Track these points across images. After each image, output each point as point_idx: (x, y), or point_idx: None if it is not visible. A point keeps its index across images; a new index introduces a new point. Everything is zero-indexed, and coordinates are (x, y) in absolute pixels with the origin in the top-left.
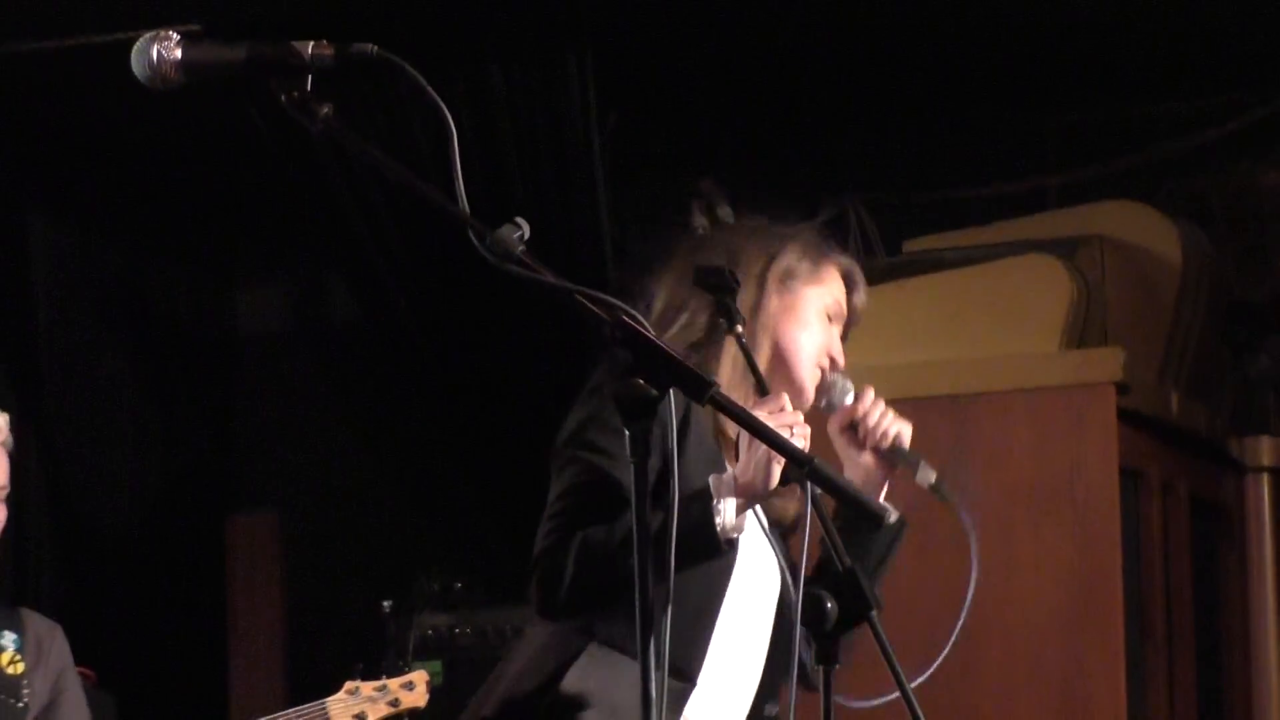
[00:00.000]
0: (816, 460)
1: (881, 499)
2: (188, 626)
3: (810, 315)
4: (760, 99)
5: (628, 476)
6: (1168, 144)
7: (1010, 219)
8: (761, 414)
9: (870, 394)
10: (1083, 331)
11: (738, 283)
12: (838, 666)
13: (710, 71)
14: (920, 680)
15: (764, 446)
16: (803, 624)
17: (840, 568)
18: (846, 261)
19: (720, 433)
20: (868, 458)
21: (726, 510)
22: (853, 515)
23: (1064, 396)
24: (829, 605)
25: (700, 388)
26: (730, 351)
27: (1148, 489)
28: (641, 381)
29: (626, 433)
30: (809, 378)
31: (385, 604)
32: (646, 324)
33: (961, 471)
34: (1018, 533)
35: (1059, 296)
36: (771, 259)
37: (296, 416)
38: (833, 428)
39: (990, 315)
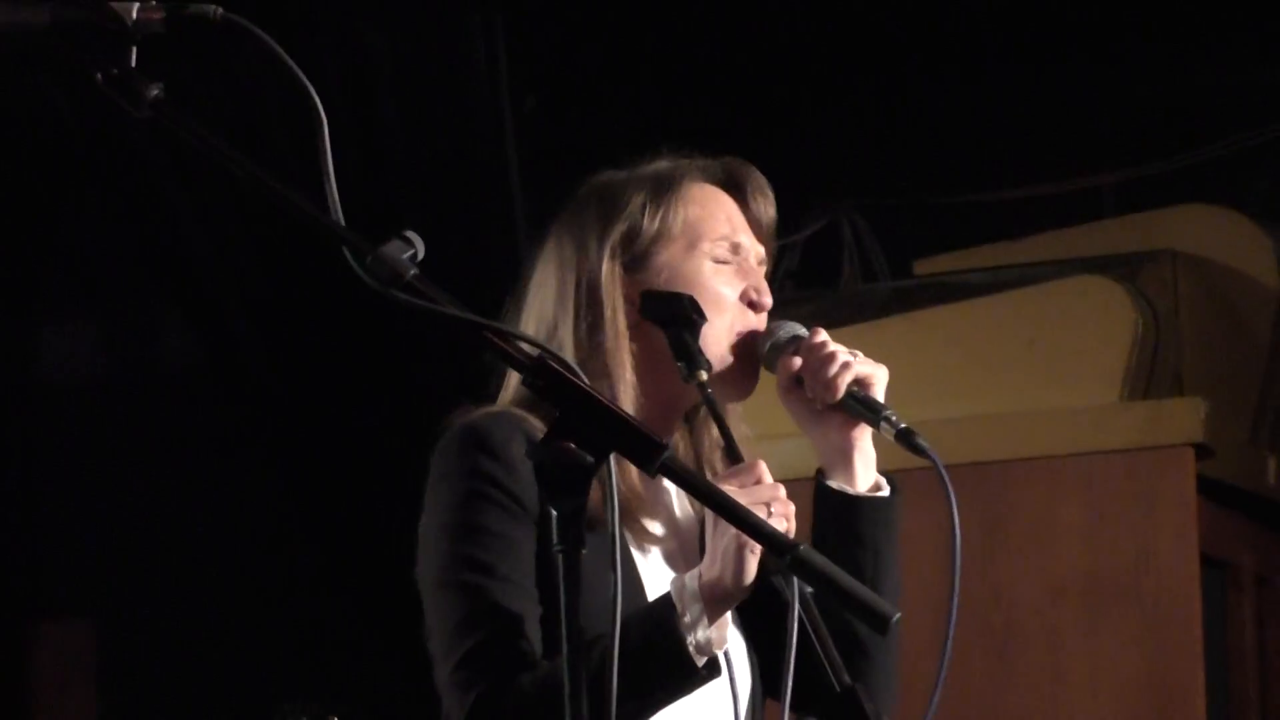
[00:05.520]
0: (802, 547)
1: (857, 474)
2: None
3: (701, 272)
4: (724, 75)
5: (519, 591)
6: (1255, 132)
7: (1053, 230)
8: (731, 488)
9: (819, 335)
10: (1150, 377)
11: (701, 315)
12: None
13: (657, 38)
14: None
15: (733, 531)
16: None
17: (836, 686)
18: (715, 163)
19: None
20: (828, 421)
21: (695, 619)
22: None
23: (1127, 462)
24: None
25: (648, 452)
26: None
27: (1237, 581)
28: (572, 445)
29: (523, 508)
30: (735, 353)
31: None
32: (578, 370)
33: (995, 558)
34: (1069, 638)
35: (1119, 331)
36: (607, 224)
37: (118, 491)
38: (780, 390)
39: (1029, 357)
